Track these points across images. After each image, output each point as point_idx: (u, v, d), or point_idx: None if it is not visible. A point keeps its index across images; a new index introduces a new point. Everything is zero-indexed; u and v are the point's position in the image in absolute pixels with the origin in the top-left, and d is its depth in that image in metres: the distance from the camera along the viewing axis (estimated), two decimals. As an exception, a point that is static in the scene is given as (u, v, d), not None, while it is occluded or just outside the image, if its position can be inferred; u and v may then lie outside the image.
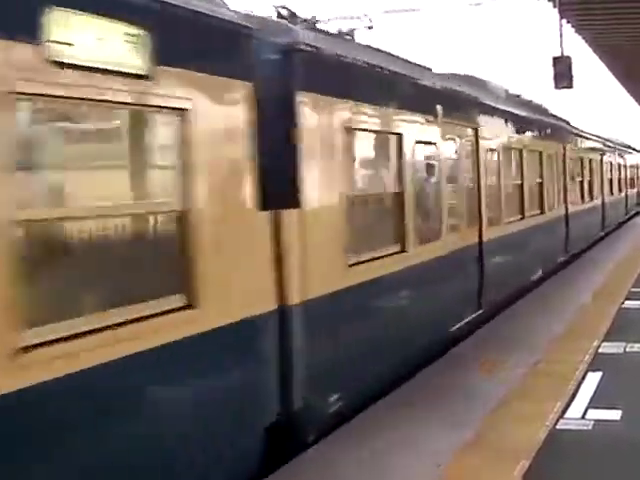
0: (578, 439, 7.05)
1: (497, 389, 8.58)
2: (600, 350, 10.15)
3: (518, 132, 15.28)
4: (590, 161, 23.94)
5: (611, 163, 29.08)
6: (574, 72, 18.46)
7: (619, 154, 31.95)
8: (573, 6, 18.63)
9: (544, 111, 19.94)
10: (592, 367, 9.30)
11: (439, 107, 10.35)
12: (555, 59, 18.59)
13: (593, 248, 23.08)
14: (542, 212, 16.71)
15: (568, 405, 7.90)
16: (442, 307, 10.13)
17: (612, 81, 32.50)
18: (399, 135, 8.99)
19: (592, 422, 7.40)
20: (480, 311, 11.72)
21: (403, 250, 8.92)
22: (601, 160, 26.40)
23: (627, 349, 10.14)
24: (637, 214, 37.71)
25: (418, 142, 9.52)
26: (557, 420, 7.48)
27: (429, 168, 10.17)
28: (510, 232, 13.72)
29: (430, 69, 11.69)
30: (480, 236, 11.94)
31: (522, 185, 15.00)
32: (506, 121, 14.40)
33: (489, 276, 11.99)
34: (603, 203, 26.18)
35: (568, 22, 20.00)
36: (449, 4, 32.47)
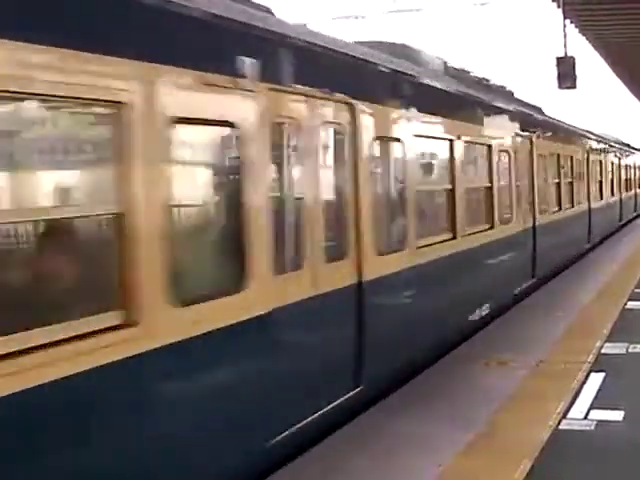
0: (581, 439, 7.03)
1: (500, 389, 8.56)
2: (603, 350, 10.13)
3: (447, 116, 10.88)
4: (571, 159, 19.91)
5: (601, 162, 25.39)
6: (577, 72, 18.54)
7: (613, 152, 29.17)
8: (577, 6, 18.70)
9: (506, 94, 15.93)
10: (595, 367, 9.27)
11: (253, 64, 6.16)
12: (559, 59, 18.61)
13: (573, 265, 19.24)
14: (491, 227, 12.43)
15: (571, 405, 7.88)
16: (254, 408, 6.08)
17: (615, 81, 32.50)
18: (131, 107, 4.83)
19: (595, 422, 7.39)
20: (358, 389, 7.69)
21: (129, 325, 4.78)
22: (587, 159, 22.55)
23: (630, 350, 10.12)
24: (634, 219, 34.85)
25: (183, 120, 5.38)
26: (560, 420, 7.47)
27: (225, 166, 6.27)
28: (427, 261, 9.46)
29: (269, 9, 7.35)
30: (359, 274, 7.77)
31: (453, 191, 10.78)
32: (423, 100, 9.94)
33: (377, 333, 7.93)
34: (590, 210, 22.23)
35: (572, 22, 20.07)
36: (454, 4, 32.19)
